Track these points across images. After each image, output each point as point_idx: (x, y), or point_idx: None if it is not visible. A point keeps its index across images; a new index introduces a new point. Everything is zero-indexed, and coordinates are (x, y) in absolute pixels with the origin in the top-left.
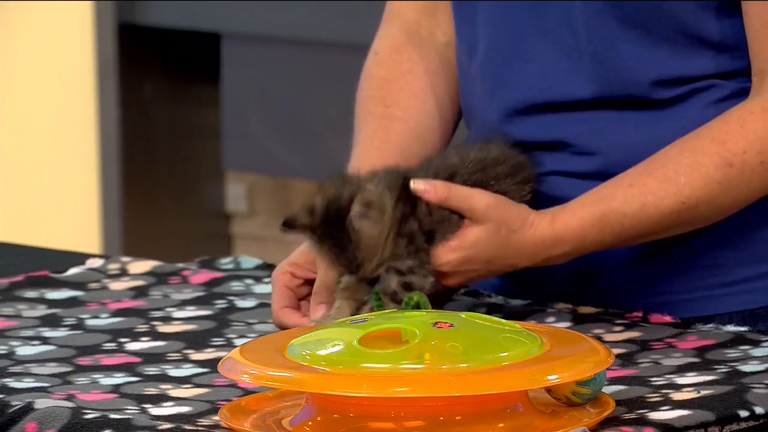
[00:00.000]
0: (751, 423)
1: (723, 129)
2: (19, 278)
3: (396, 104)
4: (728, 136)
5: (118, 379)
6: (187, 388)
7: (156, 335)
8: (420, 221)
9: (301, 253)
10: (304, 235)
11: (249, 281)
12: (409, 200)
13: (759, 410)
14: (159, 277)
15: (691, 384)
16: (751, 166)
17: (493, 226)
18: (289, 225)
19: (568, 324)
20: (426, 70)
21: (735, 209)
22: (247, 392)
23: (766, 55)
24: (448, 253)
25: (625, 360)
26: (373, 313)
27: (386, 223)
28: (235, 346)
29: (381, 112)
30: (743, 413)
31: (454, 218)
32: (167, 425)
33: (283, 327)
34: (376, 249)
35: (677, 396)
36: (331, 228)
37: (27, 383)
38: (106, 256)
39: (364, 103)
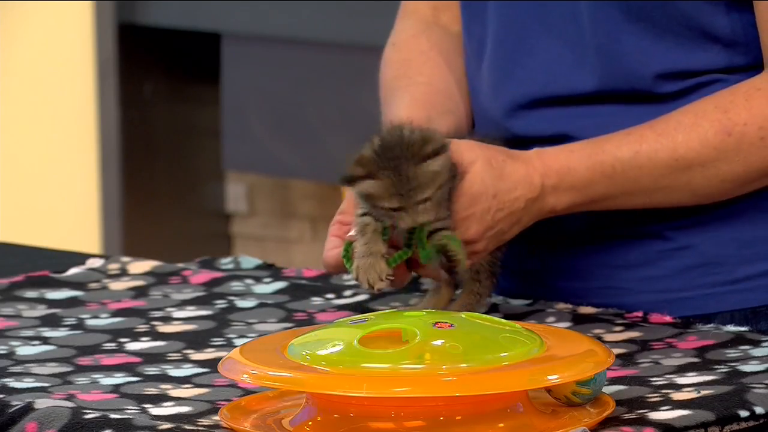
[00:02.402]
0: (751, 423)
1: (727, 99)
2: (19, 278)
3: (419, 74)
4: (732, 106)
5: (118, 379)
6: (187, 388)
7: (156, 335)
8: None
9: (348, 201)
10: (364, 182)
11: (249, 281)
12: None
13: (759, 410)
14: (159, 277)
15: (691, 384)
16: (750, 140)
17: (483, 160)
18: (349, 181)
19: (568, 324)
20: (443, 50)
21: (730, 185)
22: (247, 392)
23: None
24: (455, 202)
25: (625, 360)
26: (374, 312)
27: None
28: (235, 346)
29: (405, 83)
30: (743, 413)
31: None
32: (167, 425)
33: (328, 269)
34: (431, 184)
35: (677, 396)
36: (389, 158)
37: (27, 383)
38: (106, 256)
39: (388, 85)
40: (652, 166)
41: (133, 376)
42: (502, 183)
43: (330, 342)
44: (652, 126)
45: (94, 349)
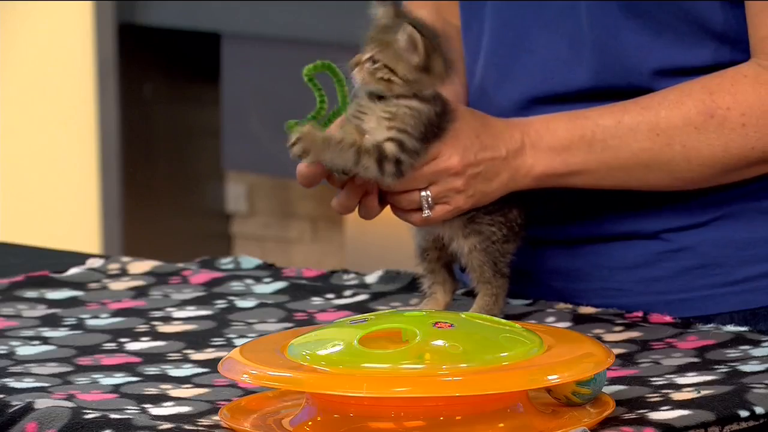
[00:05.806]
0: (751, 423)
1: (714, 82)
2: (19, 278)
3: None
4: (717, 89)
5: (118, 379)
6: (187, 388)
7: (156, 335)
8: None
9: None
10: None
11: (249, 281)
12: None
13: (759, 410)
14: (159, 277)
15: (691, 384)
16: (731, 125)
17: (469, 109)
18: None
19: (568, 324)
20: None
21: (709, 170)
22: (247, 392)
23: (759, 20)
24: (440, 136)
25: (625, 360)
26: (374, 312)
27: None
28: (235, 346)
29: None
30: (743, 413)
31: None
32: (167, 425)
33: (299, 177)
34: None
35: (677, 396)
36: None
37: (27, 383)
38: (106, 256)
39: None
40: (633, 138)
41: (133, 376)
42: (485, 128)
43: (330, 342)
44: (636, 101)
45: (94, 349)
